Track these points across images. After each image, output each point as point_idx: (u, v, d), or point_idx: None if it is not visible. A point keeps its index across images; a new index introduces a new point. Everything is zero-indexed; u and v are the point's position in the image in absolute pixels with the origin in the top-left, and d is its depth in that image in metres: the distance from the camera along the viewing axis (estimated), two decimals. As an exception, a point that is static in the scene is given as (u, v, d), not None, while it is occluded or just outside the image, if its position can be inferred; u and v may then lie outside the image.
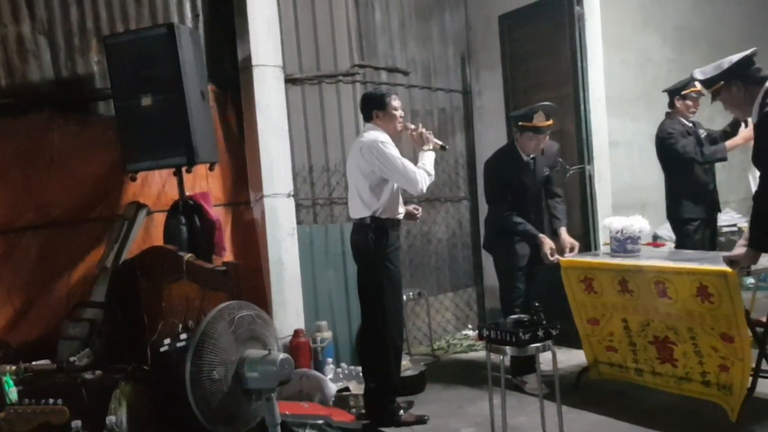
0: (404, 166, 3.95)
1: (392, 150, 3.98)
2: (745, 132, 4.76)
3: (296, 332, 4.73)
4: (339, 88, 5.43)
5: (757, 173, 3.31)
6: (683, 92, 4.94)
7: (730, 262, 3.44)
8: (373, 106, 4.12)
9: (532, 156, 4.52)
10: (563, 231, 4.56)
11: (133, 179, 4.30)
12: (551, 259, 4.35)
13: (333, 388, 4.40)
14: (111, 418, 2.79)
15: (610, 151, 5.78)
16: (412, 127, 4.21)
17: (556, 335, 3.49)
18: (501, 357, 3.56)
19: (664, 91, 5.13)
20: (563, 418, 3.55)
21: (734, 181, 7.18)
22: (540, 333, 3.42)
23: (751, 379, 3.62)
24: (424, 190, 4.03)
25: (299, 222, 5.12)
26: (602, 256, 4.40)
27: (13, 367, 3.35)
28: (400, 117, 4.16)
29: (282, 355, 2.57)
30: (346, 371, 4.87)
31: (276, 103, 4.91)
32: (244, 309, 2.65)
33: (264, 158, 4.83)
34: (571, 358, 4.84)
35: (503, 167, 4.54)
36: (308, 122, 5.34)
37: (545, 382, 3.93)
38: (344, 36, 5.45)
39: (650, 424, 3.74)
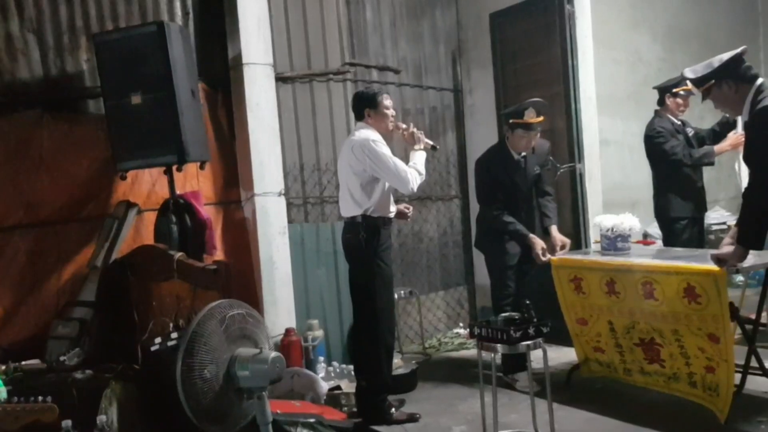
0: (395, 165, 3.95)
1: (384, 149, 3.98)
2: (734, 138, 4.81)
3: (287, 331, 4.72)
4: (330, 87, 5.42)
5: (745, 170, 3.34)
6: (674, 90, 4.95)
7: (718, 260, 3.45)
8: (365, 105, 4.12)
9: (522, 154, 4.54)
10: (554, 229, 4.58)
11: (123, 178, 4.29)
12: (543, 259, 4.36)
13: (324, 386, 4.40)
14: (101, 418, 2.77)
15: (601, 149, 5.80)
16: (404, 126, 4.21)
17: (546, 333, 3.50)
18: (492, 355, 3.57)
19: (654, 87, 5.14)
20: (554, 415, 3.55)
21: (723, 180, 7.21)
22: (531, 331, 3.42)
23: (740, 376, 3.65)
24: (415, 189, 4.03)
25: (290, 221, 5.11)
26: (593, 254, 4.41)
27: (3, 367, 3.34)
28: (392, 116, 4.17)
29: (273, 354, 2.56)
30: (337, 370, 4.87)
31: (267, 101, 4.91)
32: (235, 307, 2.65)
33: (255, 157, 4.83)
34: (562, 355, 4.86)
35: (494, 166, 4.55)
36: (299, 121, 5.33)
37: (536, 380, 3.94)
38: (335, 34, 5.45)
39: (641, 422, 3.75)
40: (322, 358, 4.87)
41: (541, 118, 4.42)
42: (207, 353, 2.49)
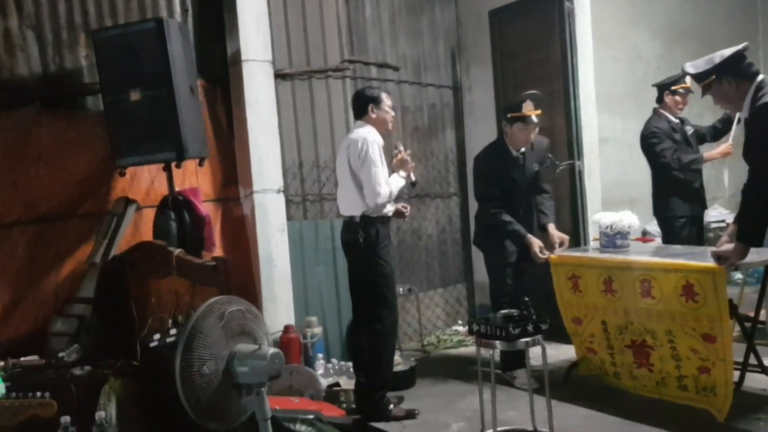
0: (375, 174, 3.96)
1: (377, 152, 4.00)
2: (724, 147, 4.89)
3: (286, 328, 4.72)
4: (329, 84, 5.41)
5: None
6: (673, 87, 4.95)
7: (718, 257, 3.45)
8: (369, 101, 4.14)
9: (521, 151, 4.53)
10: (552, 227, 4.58)
11: (122, 174, 4.28)
12: (541, 257, 4.36)
13: (323, 383, 4.41)
14: (100, 414, 2.77)
15: (600, 147, 5.80)
16: (401, 148, 4.24)
17: (545, 330, 3.50)
18: (491, 352, 3.57)
19: (654, 85, 5.14)
20: (553, 412, 3.56)
21: (723, 177, 7.22)
22: (530, 328, 3.43)
23: (738, 373, 3.65)
24: (378, 205, 4.01)
25: (289, 218, 5.11)
26: (591, 252, 4.42)
27: (1, 363, 3.33)
28: (392, 117, 4.21)
29: (272, 350, 2.56)
30: (336, 367, 4.87)
31: (265, 98, 4.90)
32: (234, 304, 2.64)
33: (254, 154, 4.82)
34: (561, 353, 4.86)
35: (492, 162, 4.55)
36: (298, 118, 5.32)
37: (535, 377, 3.95)
38: (334, 31, 5.44)
39: (640, 419, 3.76)
40: (320, 355, 4.87)
41: (538, 111, 4.42)
42: (206, 349, 2.49)
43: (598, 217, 4.34)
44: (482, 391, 3.64)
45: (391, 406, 4.13)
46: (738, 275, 5.58)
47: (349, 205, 4.10)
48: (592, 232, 5.17)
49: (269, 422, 2.61)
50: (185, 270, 3.73)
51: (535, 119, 4.41)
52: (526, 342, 3.44)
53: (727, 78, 3.38)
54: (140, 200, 4.42)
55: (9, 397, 2.45)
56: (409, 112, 6.03)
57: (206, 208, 4.51)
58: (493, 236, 4.57)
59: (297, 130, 5.32)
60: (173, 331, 3.07)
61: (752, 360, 3.75)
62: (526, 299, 3.64)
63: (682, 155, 4.88)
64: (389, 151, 4.31)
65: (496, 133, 5.80)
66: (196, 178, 4.67)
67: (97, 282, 4.02)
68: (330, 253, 5.20)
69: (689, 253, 4.00)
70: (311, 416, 3.51)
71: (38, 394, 2.44)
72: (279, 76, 5.13)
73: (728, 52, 3.40)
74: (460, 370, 4.97)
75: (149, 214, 4.38)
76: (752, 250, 3.45)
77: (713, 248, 3.62)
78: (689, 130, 5.05)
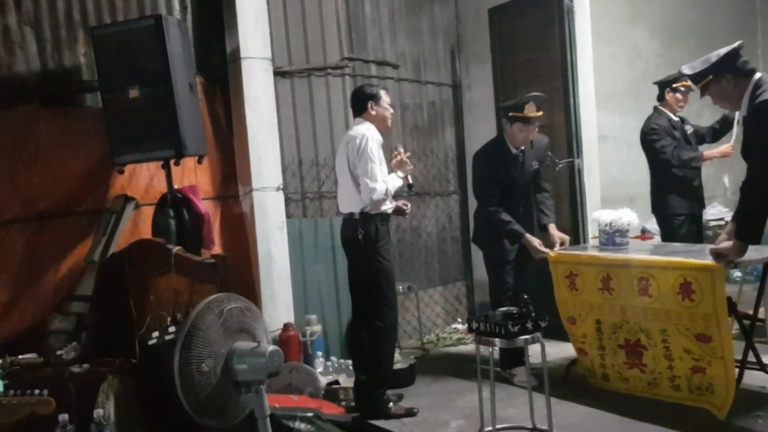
0: (372, 169, 3.96)
1: (375, 149, 4.00)
2: (725, 147, 4.87)
3: (286, 326, 4.72)
4: (328, 81, 5.40)
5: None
6: (674, 85, 4.95)
7: (717, 255, 3.45)
8: (369, 98, 4.15)
9: (521, 149, 4.53)
10: (552, 227, 4.58)
11: (121, 172, 4.28)
12: (542, 251, 4.36)
13: (323, 381, 4.41)
14: (98, 412, 2.77)
15: (599, 145, 5.80)
16: (401, 150, 4.24)
17: (544, 328, 3.50)
18: (490, 349, 3.57)
19: (655, 83, 5.15)
20: (552, 410, 3.56)
21: (721, 175, 7.22)
22: (529, 325, 3.43)
23: (737, 371, 3.65)
24: (374, 201, 4.00)
25: (288, 216, 5.10)
26: (591, 250, 4.42)
27: (0, 361, 3.33)
28: (391, 114, 4.22)
29: (271, 347, 2.55)
30: (335, 364, 4.87)
31: (265, 95, 4.89)
32: (233, 301, 2.64)
33: (253, 151, 4.81)
34: (560, 350, 4.86)
35: (492, 159, 4.54)
36: (297, 115, 5.31)
37: (534, 375, 3.95)
38: (334, 29, 5.43)
39: (640, 416, 3.76)
40: (320, 353, 4.87)
41: (540, 113, 4.42)
42: (205, 347, 2.48)
43: (598, 215, 4.34)
44: (481, 389, 3.64)
45: (391, 404, 4.13)
46: (737, 273, 5.59)
47: (348, 203, 4.10)
48: (592, 230, 5.16)
49: (268, 420, 2.60)
50: (184, 268, 3.73)
51: (535, 121, 4.42)
52: (526, 340, 3.44)
53: (724, 76, 3.38)
54: (139, 198, 4.41)
55: (7, 395, 2.45)
56: (408, 110, 6.03)
57: (205, 206, 4.50)
58: (493, 234, 4.56)
59: (296, 128, 5.32)
60: (172, 329, 3.07)
61: (751, 357, 3.75)
62: (526, 297, 3.64)
63: (681, 152, 4.88)
64: (389, 151, 4.31)
65: (495, 130, 5.80)
66: (195, 176, 4.67)
67: (96, 280, 4.02)
68: (329, 251, 5.20)
69: (688, 250, 4.00)
70: (310, 414, 3.51)
71: (36, 391, 2.43)
72: (278, 73, 5.12)
73: (724, 50, 3.41)
74: (459, 367, 4.97)
75: (148, 212, 4.37)
76: (751, 247, 3.45)
77: (712, 246, 3.62)
78: (689, 129, 5.05)
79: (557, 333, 4.48)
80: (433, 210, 6.28)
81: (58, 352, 3.62)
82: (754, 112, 3.30)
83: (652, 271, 3.75)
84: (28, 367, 3.43)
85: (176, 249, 3.80)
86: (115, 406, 3.18)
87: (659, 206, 5.06)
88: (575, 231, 5.45)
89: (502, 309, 3.73)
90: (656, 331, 3.77)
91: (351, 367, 4.36)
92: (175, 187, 4.28)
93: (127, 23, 4.22)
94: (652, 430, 3.60)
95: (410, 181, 4.25)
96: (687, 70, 3.54)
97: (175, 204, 4.23)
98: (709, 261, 3.50)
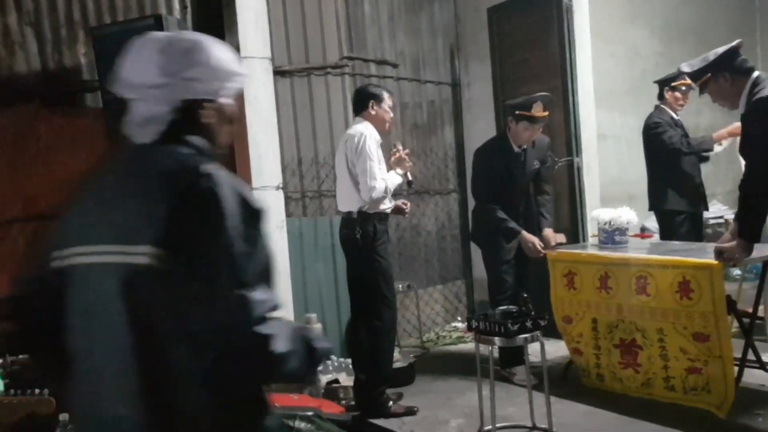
0: (371, 168, 3.96)
1: (373, 148, 4.01)
2: (732, 127, 4.76)
3: (285, 325, 4.71)
4: (328, 81, 5.41)
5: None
6: (673, 83, 4.94)
7: (720, 253, 3.45)
8: (371, 97, 4.15)
9: (523, 147, 4.53)
10: (548, 231, 4.58)
11: (122, 172, 4.27)
12: (537, 249, 4.36)
13: (322, 380, 4.41)
14: (99, 411, 2.77)
15: (598, 143, 5.81)
16: (400, 147, 4.24)
17: (544, 326, 3.51)
18: (490, 348, 3.57)
19: (654, 82, 5.14)
20: (552, 408, 3.56)
21: (721, 174, 7.21)
22: (528, 324, 3.43)
23: (737, 369, 3.66)
24: (373, 199, 4.00)
25: (288, 215, 5.10)
26: (590, 248, 4.42)
27: (0, 360, 3.33)
28: (390, 117, 4.23)
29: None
30: (335, 363, 4.86)
31: (264, 95, 4.89)
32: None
33: (252, 151, 4.81)
34: (560, 349, 4.85)
35: (493, 157, 4.55)
36: (297, 114, 5.32)
37: (534, 373, 3.96)
38: (333, 28, 5.43)
39: (639, 415, 3.76)
40: (320, 352, 4.86)
41: (546, 113, 4.43)
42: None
43: (597, 214, 4.34)
44: (481, 388, 3.65)
45: (391, 402, 4.14)
46: (737, 271, 5.59)
47: (347, 201, 4.10)
48: (591, 229, 5.17)
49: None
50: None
51: (541, 121, 4.42)
52: (525, 338, 3.45)
53: (722, 75, 3.40)
54: (139, 197, 4.41)
55: (8, 395, 2.46)
56: (408, 109, 6.04)
57: (205, 205, 4.49)
58: (491, 233, 4.57)
59: (296, 127, 5.32)
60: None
61: (750, 356, 3.75)
62: (525, 295, 3.64)
63: (689, 138, 4.87)
64: (388, 150, 4.31)
65: (495, 129, 5.81)
66: (195, 175, 4.66)
67: (97, 279, 4.02)
68: (329, 250, 5.20)
69: (687, 249, 4.00)
70: (310, 413, 3.51)
71: (37, 391, 2.44)
72: (278, 73, 5.13)
73: (722, 49, 3.43)
74: (459, 366, 4.97)
75: (148, 212, 4.37)
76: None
77: (716, 244, 3.61)
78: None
79: (557, 331, 4.48)
80: (433, 208, 6.28)
81: (59, 352, 3.62)
82: (752, 109, 3.31)
83: (651, 270, 3.76)
84: (28, 367, 3.43)
85: (176, 248, 3.80)
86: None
87: (659, 201, 4.99)
88: (574, 229, 5.46)
89: (501, 307, 3.73)
90: (653, 330, 3.77)
91: (351, 366, 4.37)
92: (176, 186, 4.27)
93: (127, 23, 4.21)
94: (652, 429, 3.61)
95: (410, 178, 4.26)
96: (686, 68, 3.56)
97: (175, 203, 4.23)
98: (708, 259, 3.50)
